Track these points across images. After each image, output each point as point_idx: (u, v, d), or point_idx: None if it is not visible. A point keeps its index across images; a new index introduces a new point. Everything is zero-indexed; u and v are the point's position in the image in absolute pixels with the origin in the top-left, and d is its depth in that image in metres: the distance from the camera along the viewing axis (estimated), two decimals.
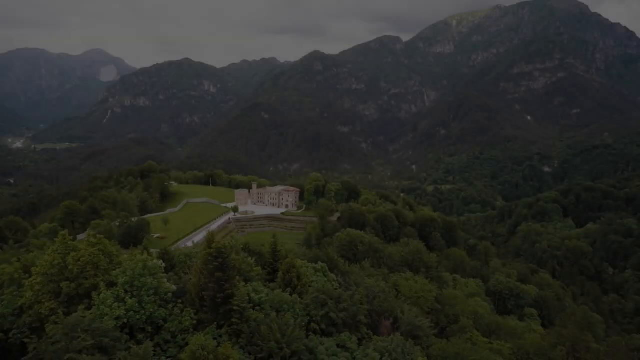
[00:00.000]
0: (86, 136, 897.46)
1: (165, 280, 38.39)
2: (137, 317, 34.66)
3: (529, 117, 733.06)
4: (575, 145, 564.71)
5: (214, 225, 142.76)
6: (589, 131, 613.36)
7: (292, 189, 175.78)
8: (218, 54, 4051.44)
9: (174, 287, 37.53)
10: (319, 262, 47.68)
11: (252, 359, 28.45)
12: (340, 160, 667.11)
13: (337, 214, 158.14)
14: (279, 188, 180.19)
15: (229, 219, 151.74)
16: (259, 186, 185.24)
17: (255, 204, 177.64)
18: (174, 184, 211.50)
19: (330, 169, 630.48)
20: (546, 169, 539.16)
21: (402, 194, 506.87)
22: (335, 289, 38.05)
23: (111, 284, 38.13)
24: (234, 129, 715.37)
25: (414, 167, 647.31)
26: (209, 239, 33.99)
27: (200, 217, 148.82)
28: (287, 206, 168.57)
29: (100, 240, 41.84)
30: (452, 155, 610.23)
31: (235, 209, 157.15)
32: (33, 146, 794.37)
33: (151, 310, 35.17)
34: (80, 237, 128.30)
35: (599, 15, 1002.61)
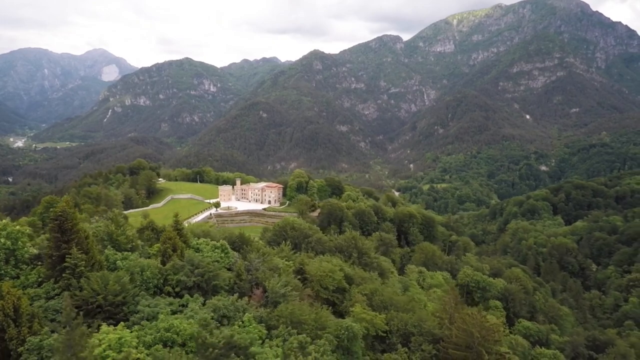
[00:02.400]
0: (87, 135, 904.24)
1: (29, 245, 40.62)
2: None
3: (527, 116, 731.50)
4: (572, 144, 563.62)
5: (195, 220, 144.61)
6: (587, 130, 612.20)
7: (275, 185, 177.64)
8: (219, 53, 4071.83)
9: (35, 251, 40.15)
10: (221, 240, 50.32)
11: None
12: (338, 159, 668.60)
13: (319, 210, 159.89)
14: (261, 184, 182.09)
15: (211, 214, 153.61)
16: (243, 182, 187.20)
17: (239, 200, 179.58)
18: (161, 180, 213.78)
19: (328, 168, 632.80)
20: (543, 167, 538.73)
21: (397, 193, 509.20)
22: (195, 257, 40.20)
23: None
24: (233, 127, 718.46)
25: (411, 166, 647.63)
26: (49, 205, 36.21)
27: (181, 212, 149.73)
28: (269, 202, 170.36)
29: None
30: (449, 154, 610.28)
31: (217, 205, 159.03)
32: (34, 145, 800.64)
33: None
34: None
35: (600, 14, 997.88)
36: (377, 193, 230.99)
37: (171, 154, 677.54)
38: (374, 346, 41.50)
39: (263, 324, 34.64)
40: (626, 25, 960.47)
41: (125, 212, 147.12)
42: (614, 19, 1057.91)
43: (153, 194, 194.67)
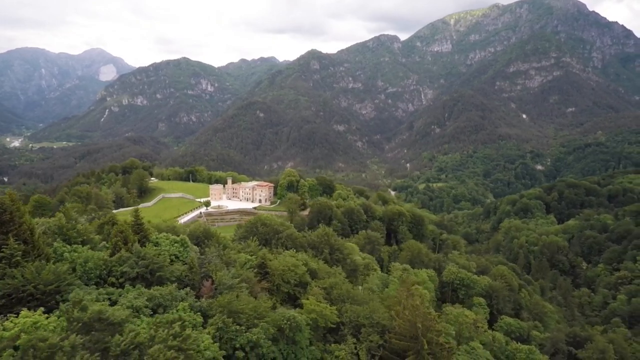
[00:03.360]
0: (84, 135, 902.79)
1: None
2: None
3: (524, 116, 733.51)
4: (568, 144, 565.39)
5: (184, 219, 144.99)
6: (583, 129, 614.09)
7: (265, 184, 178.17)
8: (218, 53, 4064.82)
9: None
10: (181, 235, 51.27)
11: (2, 294, 32.20)
12: (335, 159, 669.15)
13: (309, 209, 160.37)
14: (252, 183, 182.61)
15: (200, 213, 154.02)
16: (234, 182, 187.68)
17: (230, 199, 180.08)
18: (154, 179, 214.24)
19: (325, 167, 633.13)
20: (539, 167, 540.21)
21: (393, 192, 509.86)
22: (143, 249, 40.98)
23: None
24: (229, 127, 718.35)
25: (408, 165, 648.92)
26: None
27: (171, 211, 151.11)
28: (260, 201, 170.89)
29: None
30: (446, 153, 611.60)
31: (207, 203, 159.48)
32: (30, 145, 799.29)
33: None
34: None
35: (597, 14, 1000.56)
36: (370, 192, 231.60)
37: (168, 153, 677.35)
38: (326, 337, 42.32)
39: (199, 313, 35.86)
40: (622, 25, 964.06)
41: (115, 210, 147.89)
42: (611, 18, 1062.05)
43: (145, 193, 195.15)
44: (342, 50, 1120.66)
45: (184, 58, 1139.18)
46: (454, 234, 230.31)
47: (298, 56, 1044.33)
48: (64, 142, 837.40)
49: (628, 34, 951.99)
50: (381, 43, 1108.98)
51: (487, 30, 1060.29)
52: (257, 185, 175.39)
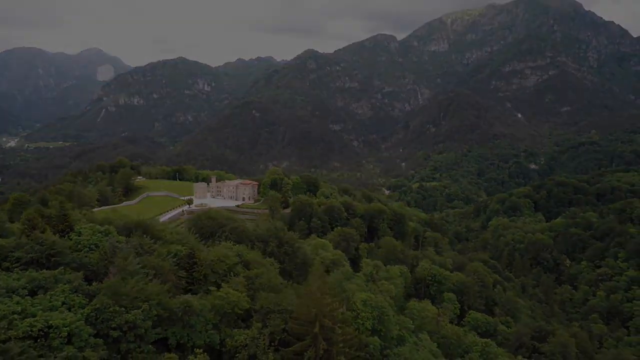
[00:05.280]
0: (80, 135, 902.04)
1: None
2: None
3: (519, 115, 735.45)
4: (562, 143, 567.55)
5: (166, 217, 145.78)
6: (577, 129, 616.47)
7: (249, 182, 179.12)
8: (216, 53, 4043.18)
9: None
10: (106, 226, 52.39)
11: None
12: (330, 158, 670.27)
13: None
14: (236, 182, 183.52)
15: (183, 211, 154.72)
16: (218, 180, 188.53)
17: (214, 197, 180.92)
18: (141, 178, 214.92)
19: (320, 167, 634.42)
20: (532, 166, 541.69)
21: (388, 191, 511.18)
22: (45, 236, 42.32)
23: None
24: (225, 127, 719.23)
25: (403, 164, 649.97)
26: None
27: (153, 209, 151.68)
28: (243, 199, 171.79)
29: None
30: (440, 152, 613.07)
31: (189, 201, 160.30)
32: (26, 145, 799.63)
33: None
34: None
35: (593, 14, 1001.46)
36: (356, 191, 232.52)
37: (163, 153, 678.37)
38: (237, 323, 43.48)
39: (82, 295, 37.38)
40: (618, 25, 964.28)
41: (96, 209, 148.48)
42: (607, 18, 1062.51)
43: (131, 191, 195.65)
44: (338, 50, 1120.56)
45: (181, 58, 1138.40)
46: (443, 232, 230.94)
47: (295, 56, 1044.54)
48: (60, 142, 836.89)
49: (624, 33, 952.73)
50: (378, 42, 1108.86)
51: (484, 29, 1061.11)
52: (241, 184, 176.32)
